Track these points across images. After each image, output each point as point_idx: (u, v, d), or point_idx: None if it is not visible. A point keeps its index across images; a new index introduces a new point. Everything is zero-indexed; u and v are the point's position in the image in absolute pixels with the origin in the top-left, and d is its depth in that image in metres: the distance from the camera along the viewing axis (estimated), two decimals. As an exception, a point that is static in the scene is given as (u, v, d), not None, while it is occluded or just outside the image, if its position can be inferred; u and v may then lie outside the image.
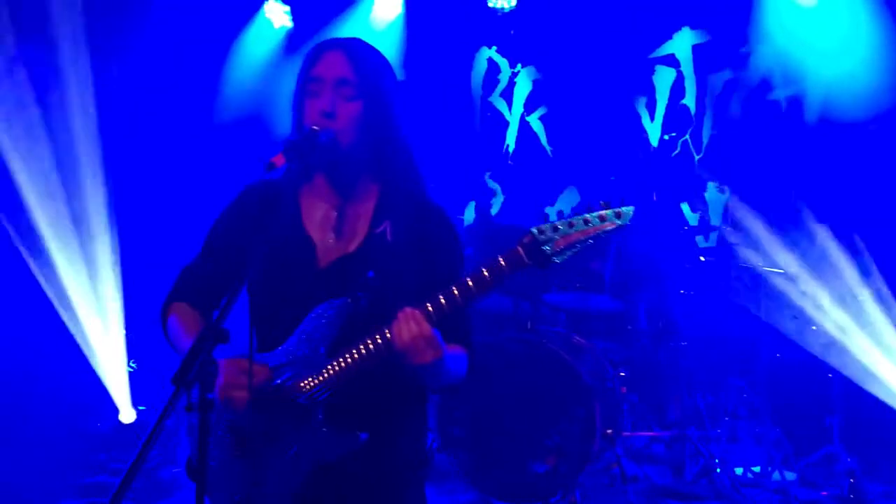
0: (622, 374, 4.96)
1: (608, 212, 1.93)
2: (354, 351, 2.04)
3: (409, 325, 1.95)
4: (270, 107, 6.61)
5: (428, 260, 2.14)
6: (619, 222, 1.93)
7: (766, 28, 6.15)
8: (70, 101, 6.02)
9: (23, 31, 5.93)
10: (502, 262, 1.97)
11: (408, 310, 1.97)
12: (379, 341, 2.02)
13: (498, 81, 7.12)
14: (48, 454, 5.02)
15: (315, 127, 2.11)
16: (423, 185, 2.25)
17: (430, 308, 1.98)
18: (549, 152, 6.95)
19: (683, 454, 4.76)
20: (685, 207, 6.50)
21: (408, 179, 2.23)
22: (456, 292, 1.98)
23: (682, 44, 6.66)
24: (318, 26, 6.75)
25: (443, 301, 1.98)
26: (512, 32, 6.98)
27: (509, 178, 7.01)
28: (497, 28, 7.00)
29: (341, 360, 2.06)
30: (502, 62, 7.10)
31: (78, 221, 5.58)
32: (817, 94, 6.03)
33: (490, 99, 7.14)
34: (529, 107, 7.02)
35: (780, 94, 6.18)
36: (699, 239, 6.22)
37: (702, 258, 5.27)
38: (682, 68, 6.66)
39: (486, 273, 1.98)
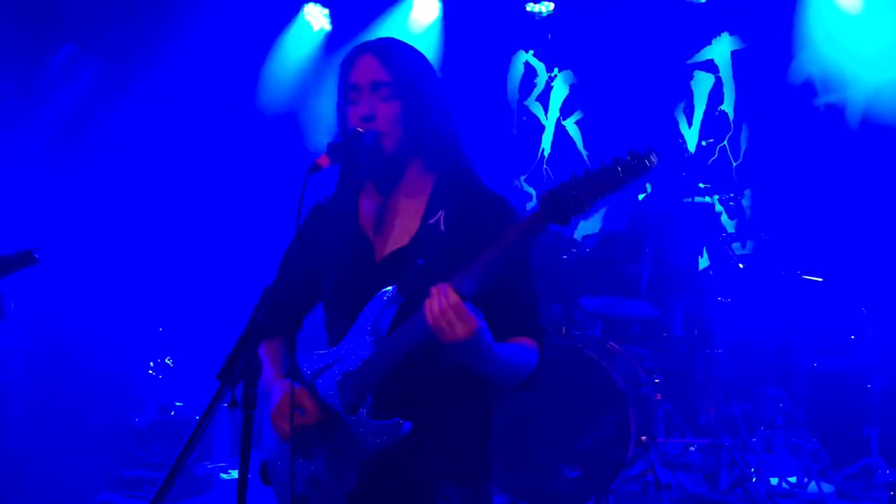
0: (657, 380, 4.92)
1: (630, 158, 1.78)
2: (395, 336, 2.01)
3: (438, 299, 1.89)
4: (310, 108, 6.68)
5: (483, 244, 2.02)
6: (640, 167, 1.77)
7: (809, 33, 6.08)
8: (111, 103, 6.16)
9: (66, 35, 6.09)
10: (525, 221, 1.89)
11: (439, 285, 1.90)
12: (414, 322, 1.96)
13: (534, 85, 7.12)
14: (87, 448, 5.12)
15: (359, 129, 2.14)
16: (476, 175, 2.22)
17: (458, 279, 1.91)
18: (585, 157, 6.93)
19: (718, 463, 4.71)
20: (723, 214, 6.44)
21: (460, 170, 2.21)
22: (480, 260, 1.91)
23: (721, 49, 6.62)
24: (356, 29, 6.81)
25: (469, 269, 1.91)
26: (549, 37, 6.98)
27: (545, 182, 7.00)
28: (534, 32, 7.00)
29: (384, 347, 2.03)
30: (539, 66, 7.10)
31: (119, 218, 5.68)
32: (859, 100, 5.95)
33: (526, 103, 7.15)
34: (566, 111, 7.01)
35: (821, 100, 6.11)
36: (736, 246, 6.16)
37: (740, 265, 5.22)
38: (720, 74, 6.62)
39: (511, 234, 1.91)
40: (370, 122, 2.13)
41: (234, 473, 4.94)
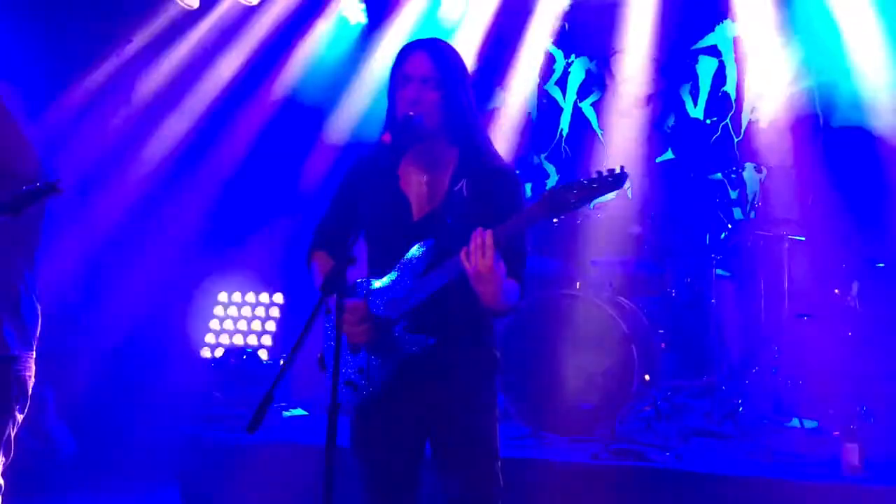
0: (661, 331, 5.62)
1: (607, 176, 2.57)
2: (433, 273, 2.75)
3: (478, 238, 2.60)
4: (348, 98, 7.40)
5: (496, 207, 2.81)
6: (615, 185, 2.56)
7: (798, 22, 6.70)
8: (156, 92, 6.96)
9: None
10: (532, 207, 2.67)
11: (479, 229, 2.61)
12: (448, 265, 2.71)
13: (553, 71, 7.78)
14: (167, 391, 5.92)
15: (410, 112, 2.85)
16: (493, 150, 2.97)
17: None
18: (600, 136, 7.60)
19: (713, 401, 5.38)
20: (725, 184, 7.08)
21: (479, 147, 2.94)
22: (511, 222, 2.66)
23: (723, 35, 7.24)
24: (390, 21, 7.51)
25: (503, 226, 2.65)
26: (566, 27, 7.63)
27: (563, 159, 7.68)
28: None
29: (421, 283, 2.77)
30: (558, 53, 7.76)
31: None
32: (847, 86, 6.56)
33: (546, 87, 7.82)
34: (582, 94, 7.67)
35: (811, 83, 6.73)
36: (737, 210, 6.83)
37: (729, 226, 5.89)
38: (723, 58, 7.25)
39: (525, 214, 2.69)
40: (416, 106, 2.84)
41: (293, 412, 5.73)
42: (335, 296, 2.58)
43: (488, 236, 2.60)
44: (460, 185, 2.88)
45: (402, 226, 2.89)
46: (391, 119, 2.92)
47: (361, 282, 2.94)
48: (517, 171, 2.96)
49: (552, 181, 7.70)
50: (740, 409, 5.18)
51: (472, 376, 2.91)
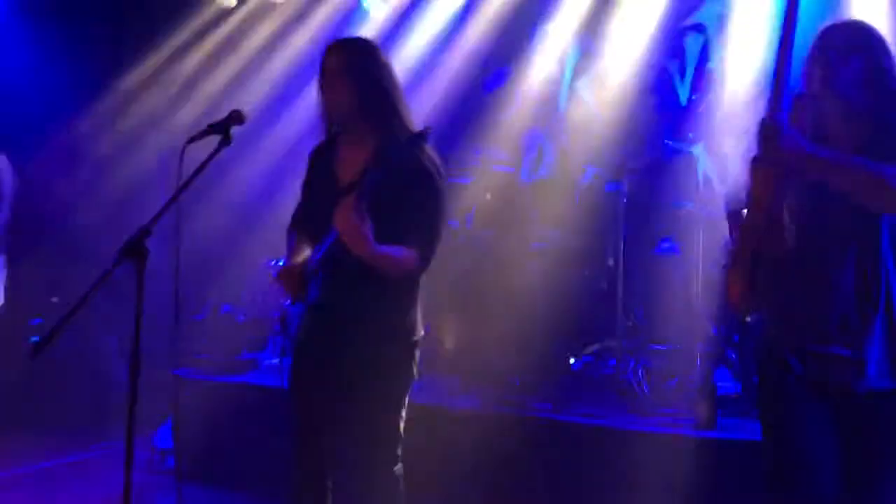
0: (595, 301, 6.06)
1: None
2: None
3: (344, 207, 3.10)
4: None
5: (402, 187, 3.25)
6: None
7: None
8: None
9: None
10: None
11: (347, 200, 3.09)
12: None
13: (552, 50, 8.19)
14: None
15: (333, 101, 3.43)
16: (405, 133, 3.34)
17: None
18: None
19: (626, 367, 5.74)
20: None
21: (394, 129, 3.37)
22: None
23: (709, 13, 7.42)
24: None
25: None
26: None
27: (561, 134, 8.11)
28: (551, 4, 8.06)
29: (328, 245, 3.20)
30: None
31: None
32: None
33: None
34: (579, 73, 8.05)
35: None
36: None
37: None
38: (708, 34, 7.43)
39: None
40: (336, 96, 3.40)
41: (275, 360, 6.68)
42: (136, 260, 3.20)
43: (350, 198, 3.05)
44: (376, 161, 3.17)
45: (329, 196, 3.31)
46: (323, 113, 3.49)
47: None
48: (426, 146, 3.33)
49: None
50: (640, 371, 5.57)
51: (371, 340, 3.37)
